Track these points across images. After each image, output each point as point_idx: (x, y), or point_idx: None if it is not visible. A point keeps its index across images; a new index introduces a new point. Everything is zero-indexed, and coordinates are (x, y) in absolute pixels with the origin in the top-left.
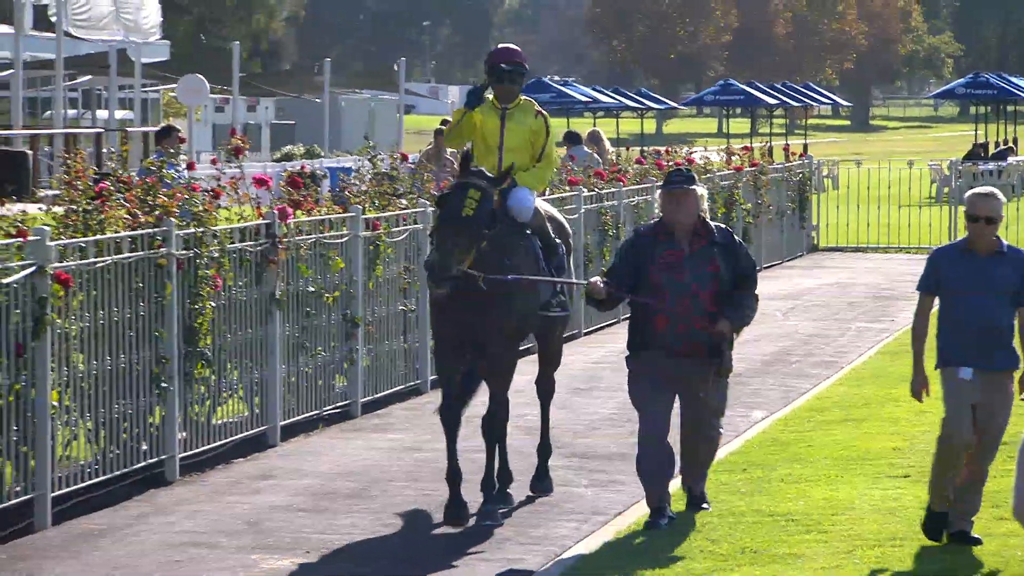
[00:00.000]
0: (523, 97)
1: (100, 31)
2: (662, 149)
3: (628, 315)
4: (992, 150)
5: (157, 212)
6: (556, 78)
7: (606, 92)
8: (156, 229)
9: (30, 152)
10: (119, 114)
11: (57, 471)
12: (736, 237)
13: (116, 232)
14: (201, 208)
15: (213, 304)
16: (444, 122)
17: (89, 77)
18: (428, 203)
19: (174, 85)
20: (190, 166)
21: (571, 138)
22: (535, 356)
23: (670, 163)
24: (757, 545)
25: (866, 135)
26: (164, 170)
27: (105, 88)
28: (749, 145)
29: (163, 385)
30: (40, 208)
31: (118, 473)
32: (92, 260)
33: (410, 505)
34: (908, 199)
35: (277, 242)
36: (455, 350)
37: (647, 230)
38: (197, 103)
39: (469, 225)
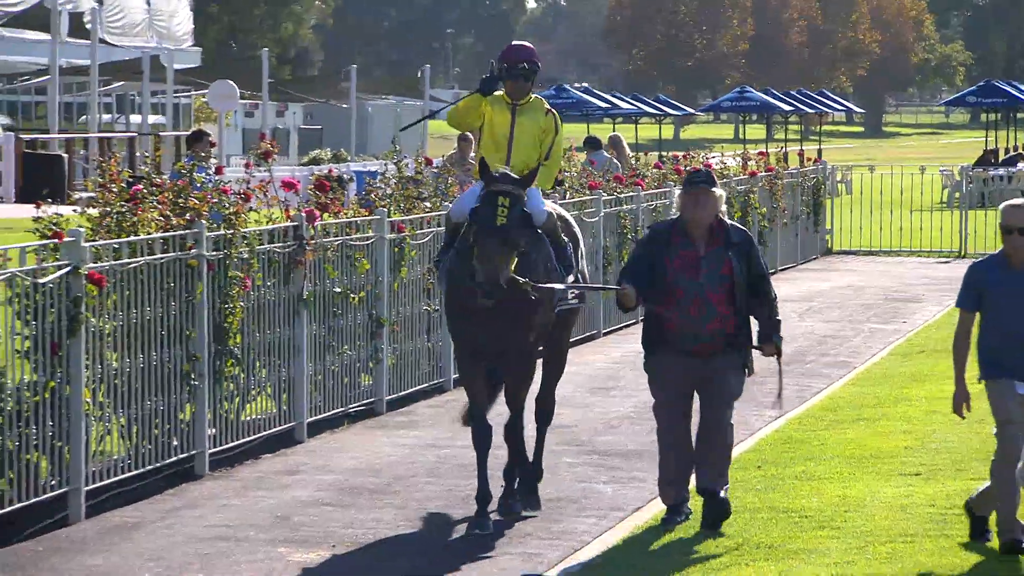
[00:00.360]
0: (534, 95)
1: (134, 38)
2: (680, 154)
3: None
4: (1002, 156)
5: (188, 214)
6: (576, 85)
7: (625, 98)
8: (187, 231)
9: (66, 156)
10: (152, 119)
11: (91, 465)
12: (754, 240)
13: (149, 234)
14: (231, 211)
15: (242, 304)
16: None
17: (123, 83)
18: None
19: (205, 91)
20: (219, 170)
21: (591, 143)
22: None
23: (687, 168)
24: (772, 540)
25: (879, 141)
26: (195, 173)
27: (138, 93)
28: (765, 151)
29: (193, 382)
30: (75, 210)
31: (150, 468)
32: (125, 261)
33: (433, 500)
34: (920, 204)
35: (305, 244)
36: (477, 357)
37: (663, 227)
38: (227, 108)
39: (505, 232)
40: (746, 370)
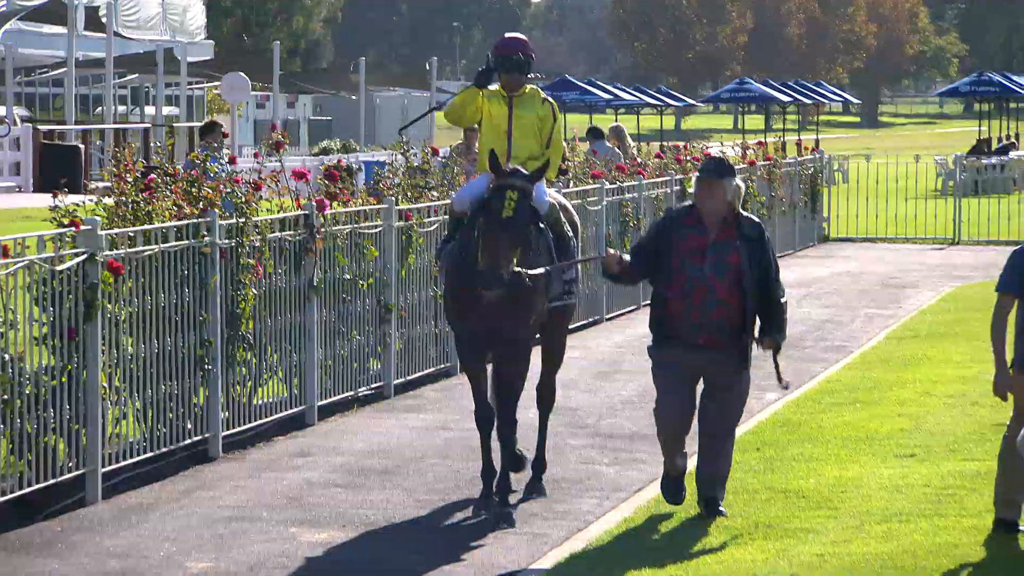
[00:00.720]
0: (528, 86)
1: (148, 32)
2: (681, 144)
3: (648, 302)
4: (995, 145)
5: (202, 203)
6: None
7: (627, 90)
8: (201, 219)
9: (82, 146)
10: (166, 110)
11: (107, 448)
12: (766, 234)
13: (163, 222)
14: (243, 200)
15: (254, 291)
16: None
17: (138, 75)
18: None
19: (218, 83)
20: (232, 160)
21: (594, 133)
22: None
23: (688, 158)
24: (770, 520)
25: (875, 131)
26: (208, 163)
27: (153, 86)
28: (763, 140)
29: (207, 367)
30: (91, 199)
31: (164, 450)
32: (140, 248)
33: (441, 481)
34: (915, 192)
35: (315, 232)
36: (477, 345)
37: (679, 212)
38: (239, 100)
39: (512, 226)
40: (745, 365)
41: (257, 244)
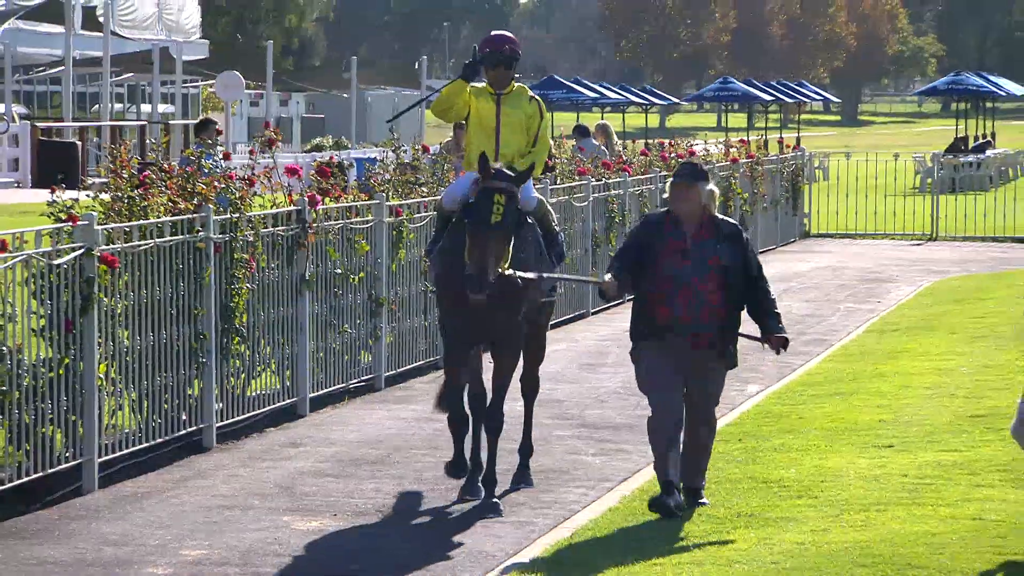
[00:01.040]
0: (516, 84)
1: (144, 31)
2: (665, 142)
3: (631, 297)
4: (971, 144)
5: (196, 199)
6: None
7: (613, 88)
8: (195, 215)
9: (79, 143)
10: (161, 108)
11: (104, 438)
12: (745, 235)
13: (158, 217)
14: (237, 195)
15: (248, 284)
16: None
17: (134, 74)
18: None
19: (212, 81)
20: (226, 156)
21: (580, 131)
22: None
23: (673, 155)
24: (752, 509)
25: (855, 129)
26: (203, 160)
27: (149, 84)
28: (746, 138)
29: (201, 359)
30: (88, 195)
31: (159, 440)
32: (136, 243)
33: (430, 471)
34: (894, 189)
35: (307, 227)
36: (466, 343)
37: (656, 217)
38: (234, 98)
39: (499, 230)
40: (729, 366)
41: (251, 239)
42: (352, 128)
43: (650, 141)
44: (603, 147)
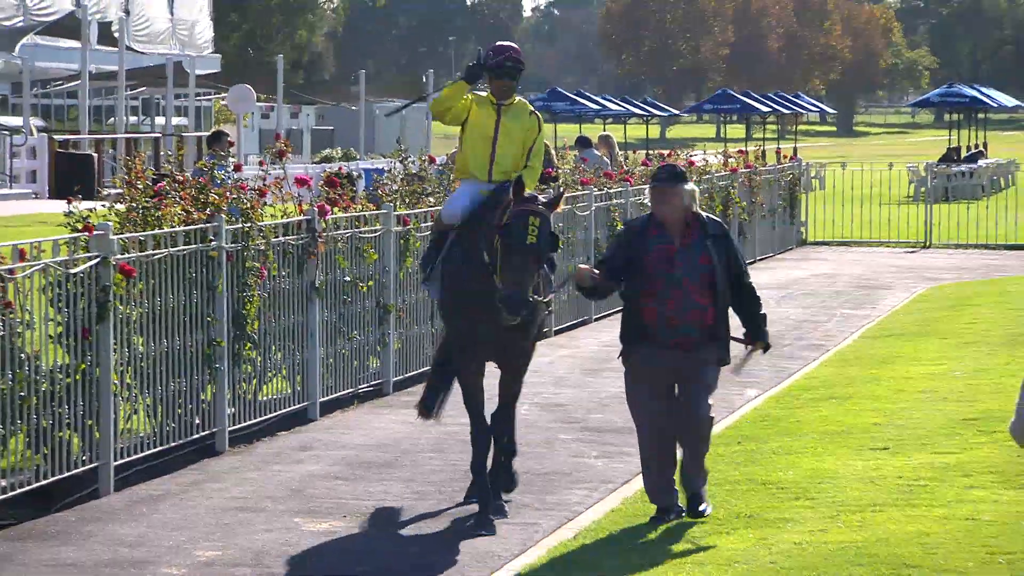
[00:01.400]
0: (518, 97)
1: (158, 46)
2: (665, 152)
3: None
4: (964, 153)
5: (209, 209)
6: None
7: (615, 100)
8: (208, 224)
9: (95, 155)
10: (175, 120)
11: (119, 442)
12: (729, 232)
13: (172, 227)
14: (248, 205)
15: (259, 292)
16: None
17: (148, 87)
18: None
19: (224, 94)
20: (238, 167)
21: (583, 142)
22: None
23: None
24: (750, 511)
25: (850, 140)
26: (215, 171)
27: (163, 97)
28: (744, 149)
29: (214, 365)
30: (104, 205)
31: (173, 444)
32: (151, 252)
33: (437, 473)
34: (888, 198)
35: (317, 236)
36: (477, 356)
37: (639, 223)
38: (245, 111)
39: (536, 252)
40: (722, 362)
41: (262, 248)
42: (360, 140)
43: (651, 152)
44: (605, 158)
